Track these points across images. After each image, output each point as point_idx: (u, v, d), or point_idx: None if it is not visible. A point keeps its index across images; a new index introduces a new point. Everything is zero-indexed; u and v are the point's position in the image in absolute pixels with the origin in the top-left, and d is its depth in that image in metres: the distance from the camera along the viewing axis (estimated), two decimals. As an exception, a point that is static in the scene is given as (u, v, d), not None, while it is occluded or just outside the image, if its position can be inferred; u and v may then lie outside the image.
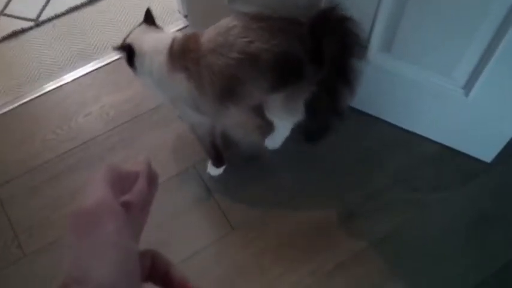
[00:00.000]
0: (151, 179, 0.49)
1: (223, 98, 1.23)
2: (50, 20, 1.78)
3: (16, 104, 1.61)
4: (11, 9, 1.81)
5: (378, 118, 1.55)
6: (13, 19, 1.78)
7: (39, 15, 1.78)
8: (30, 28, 1.76)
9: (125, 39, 1.27)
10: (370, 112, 1.56)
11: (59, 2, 1.81)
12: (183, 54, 1.21)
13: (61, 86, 1.65)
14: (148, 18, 1.28)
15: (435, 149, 1.51)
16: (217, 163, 1.45)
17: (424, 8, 1.17)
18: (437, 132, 1.50)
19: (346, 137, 1.54)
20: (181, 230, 1.38)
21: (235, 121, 1.50)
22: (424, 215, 1.41)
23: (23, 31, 1.75)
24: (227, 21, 1.21)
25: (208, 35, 1.22)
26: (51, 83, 1.65)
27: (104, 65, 1.68)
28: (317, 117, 1.32)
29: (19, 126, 1.58)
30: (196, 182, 1.47)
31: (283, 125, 1.43)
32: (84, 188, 0.44)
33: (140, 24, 1.29)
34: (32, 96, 1.62)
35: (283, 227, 1.40)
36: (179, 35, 1.27)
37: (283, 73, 1.19)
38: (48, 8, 1.80)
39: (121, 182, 0.46)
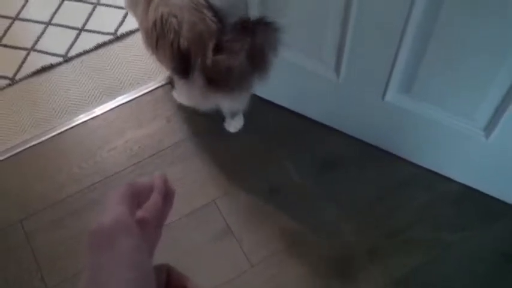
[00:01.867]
0: (167, 194, 0.49)
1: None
2: (78, 55, 1.84)
3: (43, 138, 1.66)
4: (41, 45, 1.87)
5: (398, 156, 1.56)
6: (43, 54, 1.84)
7: (68, 51, 1.84)
8: (59, 64, 1.82)
9: None
10: (390, 150, 1.56)
11: (87, 38, 1.87)
12: None
13: (87, 120, 1.69)
14: None
15: (456, 188, 1.50)
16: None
17: (444, 52, 1.18)
18: (459, 172, 1.49)
19: (366, 174, 1.54)
20: (200, 266, 1.39)
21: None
22: (445, 255, 1.40)
23: (52, 66, 1.81)
24: None
25: None
26: (77, 117, 1.70)
27: (128, 101, 1.73)
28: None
29: (45, 160, 1.62)
30: (216, 218, 1.49)
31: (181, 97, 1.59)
32: (103, 204, 0.45)
33: None
34: (59, 131, 1.67)
35: (303, 264, 1.40)
36: None
37: (176, 62, 1.35)
38: (76, 44, 1.86)
39: (137, 196, 0.47)
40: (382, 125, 1.50)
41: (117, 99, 1.74)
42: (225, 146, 1.63)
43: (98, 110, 1.72)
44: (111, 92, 1.75)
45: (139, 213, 0.45)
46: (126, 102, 1.73)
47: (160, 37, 1.36)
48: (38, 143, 1.65)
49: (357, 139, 1.60)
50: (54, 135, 1.66)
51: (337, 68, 1.39)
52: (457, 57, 1.17)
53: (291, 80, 1.53)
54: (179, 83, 1.49)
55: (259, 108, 1.65)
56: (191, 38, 1.30)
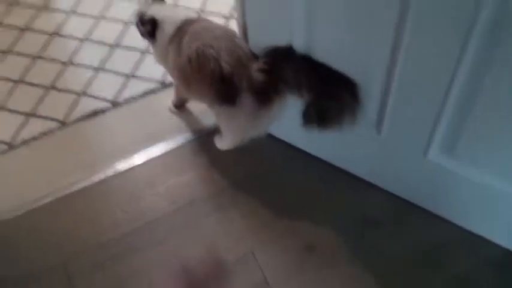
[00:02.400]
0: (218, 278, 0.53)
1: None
2: (126, 102, 1.90)
3: (88, 182, 1.71)
4: (91, 90, 1.95)
5: (437, 216, 1.54)
6: (92, 99, 1.92)
7: (116, 97, 1.92)
8: (108, 109, 1.89)
9: (141, 14, 1.58)
10: (431, 209, 1.55)
11: (136, 85, 1.94)
12: (178, 30, 1.51)
13: (131, 166, 1.74)
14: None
15: (499, 252, 1.47)
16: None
17: (491, 112, 1.17)
18: (501, 236, 1.47)
19: (404, 233, 1.53)
20: (237, 318, 1.39)
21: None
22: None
23: (100, 111, 1.88)
24: (216, 24, 1.58)
25: (200, 24, 1.52)
26: (122, 162, 1.75)
27: (172, 148, 1.78)
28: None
29: (89, 203, 1.67)
30: (253, 269, 1.49)
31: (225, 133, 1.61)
32: None
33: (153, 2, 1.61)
34: (104, 175, 1.72)
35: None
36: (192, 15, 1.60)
37: (220, 90, 1.41)
38: (125, 91, 1.93)
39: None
40: (423, 183, 1.49)
41: (161, 145, 1.79)
42: (264, 198, 1.64)
43: (142, 156, 1.76)
44: (156, 139, 1.80)
45: None
46: (170, 149, 1.78)
47: (197, 70, 1.43)
48: (83, 187, 1.70)
49: (395, 196, 1.59)
50: (99, 180, 1.72)
51: (379, 124, 1.40)
52: (505, 119, 1.16)
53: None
54: (226, 116, 1.52)
55: (297, 160, 1.67)
56: (232, 61, 1.38)
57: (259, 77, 1.37)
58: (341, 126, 1.34)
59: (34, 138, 1.83)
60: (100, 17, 2.17)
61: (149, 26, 1.55)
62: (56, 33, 2.13)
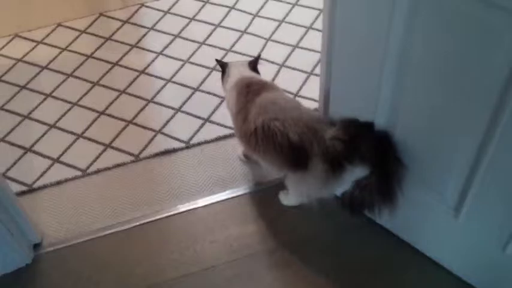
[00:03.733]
0: None
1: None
2: (199, 144, 1.94)
3: (151, 218, 1.74)
4: (168, 129, 2.01)
5: None
6: (168, 138, 1.97)
7: (190, 139, 1.96)
8: (181, 149, 1.93)
9: (223, 63, 1.76)
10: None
11: (210, 129, 1.98)
12: (246, 87, 1.60)
13: (195, 208, 1.76)
14: (255, 64, 1.75)
15: None
16: None
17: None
18: None
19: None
20: None
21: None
22: None
23: (174, 151, 1.93)
24: (282, 94, 1.65)
25: (268, 92, 1.57)
26: (186, 204, 1.77)
27: (237, 195, 1.78)
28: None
29: (148, 240, 1.69)
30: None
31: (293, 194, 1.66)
32: None
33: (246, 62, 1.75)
34: (167, 214, 1.75)
35: None
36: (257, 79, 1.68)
37: (290, 158, 1.43)
38: (199, 133, 1.97)
39: None
40: (498, 276, 1.39)
41: (226, 192, 1.79)
42: (323, 260, 1.60)
43: (207, 200, 1.78)
44: (222, 184, 1.81)
45: None
46: (234, 197, 1.78)
47: (263, 142, 1.47)
48: (146, 222, 1.73)
49: (464, 282, 1.49)
50: (162, 217, 1.74)
51: (458, 208, 1.33)
52: None
53: (405, 207, 1.48)
54: (295, 178, 1.53)
55: (362, 227, 1.61)
56: (300, 130, 1.40)
57: (334, 145, 1.35)
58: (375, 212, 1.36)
59: (107, 169, 1.89)
60: (186, 61, 2.26)
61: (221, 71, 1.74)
62: (143, 72, 2.23)
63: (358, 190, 1.34)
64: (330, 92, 1.49)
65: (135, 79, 2.21)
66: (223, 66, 1.74)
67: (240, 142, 1.68)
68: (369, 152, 1.33)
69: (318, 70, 2.06)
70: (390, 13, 1.13)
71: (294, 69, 2.18)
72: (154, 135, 1.99)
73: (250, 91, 1.59)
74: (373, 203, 1.34)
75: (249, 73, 1.70)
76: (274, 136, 1.44)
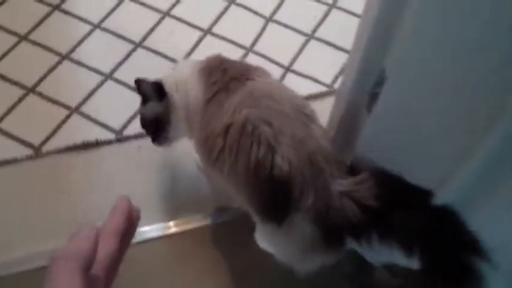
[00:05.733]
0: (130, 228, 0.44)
1: None
2: (136, 137, 1.28)
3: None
4: (88, 108, 1.32)
5: None
6: (88, 123, 1.30)
7: (124, 127, 1.29)
8: (108, 142, 1.27)
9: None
10: None
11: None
12: (221, 70, 0.98)
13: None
14: None
15: None
16: None
17: None
18: None
19: None
20: None
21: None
22: None
23: (96, 144, 1.26)
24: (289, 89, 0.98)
25: (262, 79, 0.96)
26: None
27: (188, 229, 1.15)
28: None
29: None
30: None
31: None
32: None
33: None
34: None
35: None
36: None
37: (264, 196, 0.85)
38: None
39: (90, 264, 0.41)
40: None
41: (171, 222, 1.16)
42: None
43: (144, 233, 1.14)
44: (167, 210, 1.18)
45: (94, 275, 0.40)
46: (185, 231, 1.15)
47: (232, 150, 0.87)
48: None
49: None
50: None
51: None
52: None
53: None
54: (263, 230, 0.93)
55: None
56: (297, 158, 0.82)
57: (343, 207, 0.80)
58: None
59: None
60: (125, -4, 1.52)
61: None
62: (57, 7, 1.48)
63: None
64: (363, 121, 0.85)
65: (43, 19, 1.46)
66: (154, 87, 1.06)
67: (196, 146, 1.03)
68: (421, 236, 0.75)
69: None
70: None
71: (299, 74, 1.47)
72: (67, 116, 1.30)
73: (229, 74, 0.96)
74: None
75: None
76: (254, 148, 0.83)
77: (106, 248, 0.44)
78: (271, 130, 0.83)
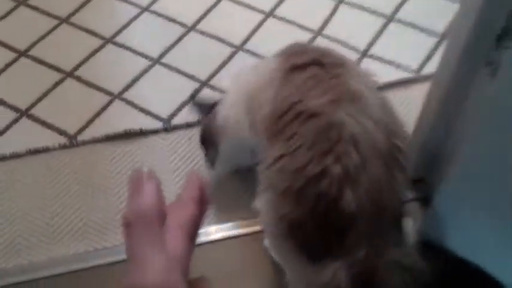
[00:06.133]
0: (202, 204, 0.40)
1: None
2: (187, 126, 1.08)
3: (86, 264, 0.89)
4: (132, 94, 1.14)
5: None
6: (132, 110, 1.11)
7: (172, 115, 1.10)
8: (155, 132, 1.08)
9: None
10: None
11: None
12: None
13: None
14: None
15: None
16: None
17: None
18: None
19: None
20: None
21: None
22: None
23: (142, 134, 1.07)
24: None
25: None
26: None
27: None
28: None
29: None
30: None
31: None
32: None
33: None
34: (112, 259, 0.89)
35: None
36: None
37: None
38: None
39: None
40: None
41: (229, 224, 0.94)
42: None
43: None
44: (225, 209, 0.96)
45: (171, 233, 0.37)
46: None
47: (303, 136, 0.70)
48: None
49: None
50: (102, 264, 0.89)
51: None
52: None
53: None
54: (296, 265, 0.75)
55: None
56: (368, 205, 0.67)
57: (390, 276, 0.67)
58: None
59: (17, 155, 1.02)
60: None
61: None
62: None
63: None
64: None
65: (86, 2, 1.31)
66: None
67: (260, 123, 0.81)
68: None
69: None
70: None
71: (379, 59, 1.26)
72: (109, 102, 1.12)
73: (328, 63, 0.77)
74: None
75: None
76: (329, 160, 0.67)
77: (186, 211, 0.39)
78: (358, 158, 0.66)
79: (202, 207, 0.41)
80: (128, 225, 0.36)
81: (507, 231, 0.75)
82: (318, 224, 0.68)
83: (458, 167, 0.76)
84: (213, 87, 1.14)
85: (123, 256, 0.85)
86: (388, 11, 1.28)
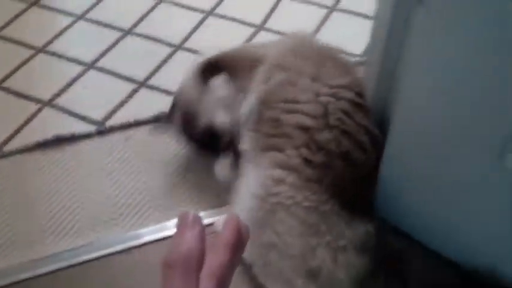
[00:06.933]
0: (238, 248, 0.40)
1: None
2: (122, 128, 1.02)
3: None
4: (64, 99, 1.07)
5: None
6: (62, 114, 1.04)
7: (107, 117, 1.03)
8: (87, 136, 1.00)
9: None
10: None
11: (144, 100, 1.07)
12: None
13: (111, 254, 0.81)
14: None
15: None
16: None
17: None
18: None
19: None
20: None
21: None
22: None
23: (73, 139, 0.99)
24: None
25: None
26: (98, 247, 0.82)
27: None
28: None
29: None
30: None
31: None
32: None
33: None
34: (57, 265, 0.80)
35: None
36: None
37: None
38: (127, 106, 1.05)
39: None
40: None
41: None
42: None
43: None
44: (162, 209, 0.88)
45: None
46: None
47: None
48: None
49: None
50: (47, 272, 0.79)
51: None
52: None
53: None
54: None
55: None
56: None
57: None
58: None
59: None
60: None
61: None
62: None
63: None
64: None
65: (18, 15, 1.25)
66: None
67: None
68: None
69: None
70: None
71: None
72: (39, 109, 1.05)
73: None
74: None
75: None
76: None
77: (219, 258, 0.39)
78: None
79: (237, 254, 0.41)
80: (169, 267, 0.37)
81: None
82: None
83: (396, 120, 0.70)
84: (151, 87, 1.08)
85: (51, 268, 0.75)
86: (329, 2, 1.25)
